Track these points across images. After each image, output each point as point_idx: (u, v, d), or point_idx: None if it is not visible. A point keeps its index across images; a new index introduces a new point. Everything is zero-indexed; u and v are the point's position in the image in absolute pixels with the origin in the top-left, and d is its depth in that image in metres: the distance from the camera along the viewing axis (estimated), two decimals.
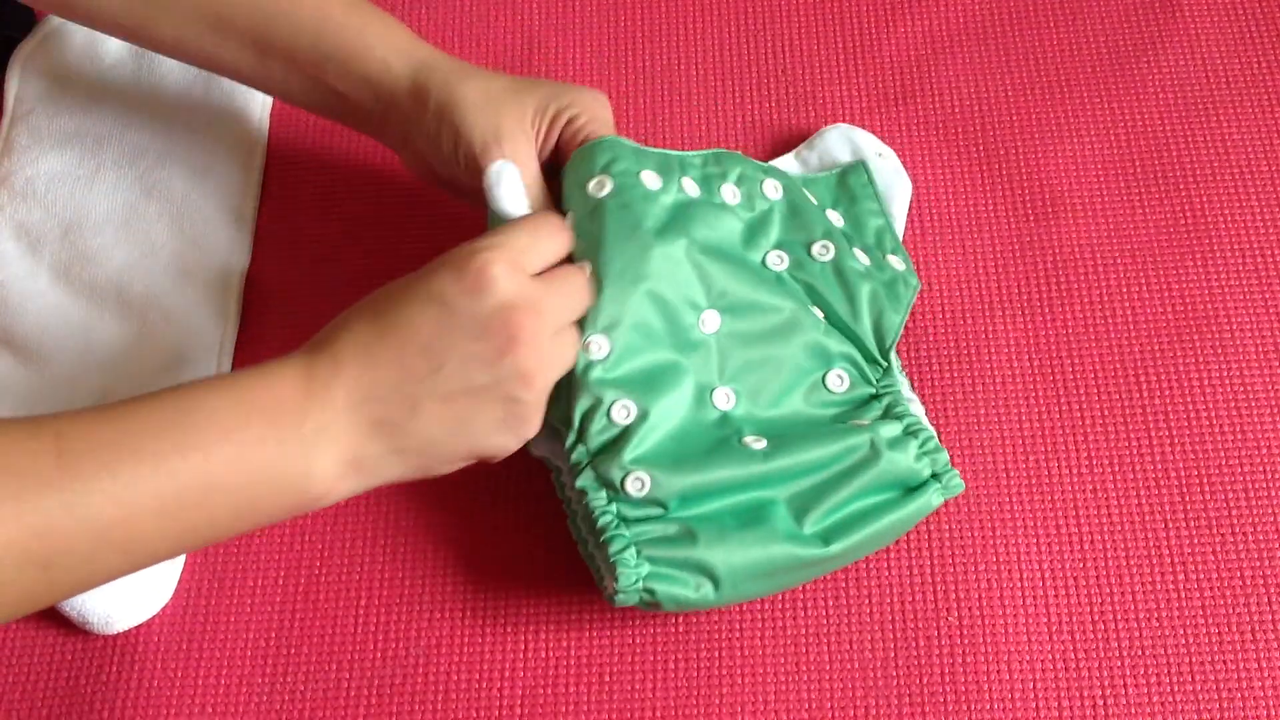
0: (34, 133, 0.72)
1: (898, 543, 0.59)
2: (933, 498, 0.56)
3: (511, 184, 0.54)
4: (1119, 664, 0.57)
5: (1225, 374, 0.63)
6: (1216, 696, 0.56)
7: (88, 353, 0.65)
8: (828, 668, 0.58)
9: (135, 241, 0.68)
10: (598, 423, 0.54)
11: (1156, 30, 0.73)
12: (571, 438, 0.54)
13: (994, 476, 0.61)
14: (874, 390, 0.58)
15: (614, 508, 0.54)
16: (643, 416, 0.54)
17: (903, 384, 0.60)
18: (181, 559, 0.61)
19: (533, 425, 0.51)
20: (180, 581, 0.61)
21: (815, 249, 0.59)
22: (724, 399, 0.56)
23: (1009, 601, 0.58)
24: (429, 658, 0.59)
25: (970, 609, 0.58)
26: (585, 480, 0.54)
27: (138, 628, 0.60)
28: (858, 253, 0.60)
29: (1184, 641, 0.57)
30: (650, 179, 0.56)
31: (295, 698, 0.58)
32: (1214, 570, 0.59)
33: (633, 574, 0.52)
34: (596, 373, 0.54)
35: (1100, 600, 0.58)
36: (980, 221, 0.68)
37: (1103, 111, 0.70)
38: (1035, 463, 0.61)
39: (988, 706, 0.56)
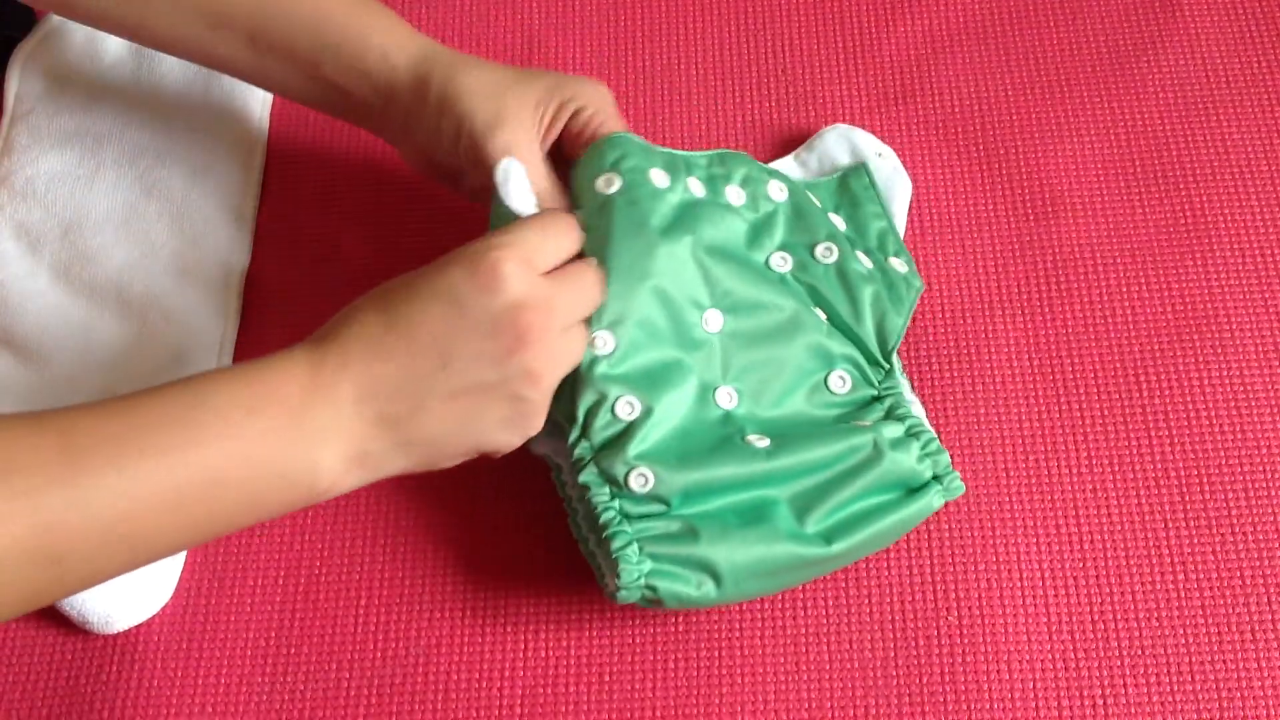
0: (34, 132, 0.72)
1: (898, 543, 0.59)
2: (934, 499, 0.56)
3: (519, 182, 0.54)
4: (1119, 664, 0.57)
5: (1225, 374, 0.63)
6: (1216, 696, 0.56)
7: (88, 352, 0.65)
8: (828, 668, 0.58)
9: (135, 241, 0.68)
10: (602, 418, 0.54)
11: (1156, 30, 0.73)
12: (575, 433, 0.54)
13: (994, 476, 0.61)
14: (876, 392, 0.59)
15: (616, 504, 0.54)
16: (647, 413, 0.54)
17: (904, 385, 0.60)
18: (181, 558, 0.61)
19: (537, 422, 0.51)
20: (180, 581, 0.61)
21: (819, 251, 0.59)
22: (727, 398, 0.56)
23: (1009, 601, 0.58)
24: (429, 657, 0.59)
25: (970, 609, 0.58)
26: (588, 476, 0.54)
27: (138, 627, 0.60)
28: (860, 256, 0.60)
29: (1184, 641, 0.57)
30: (658, 177, 0.57)
31: (295, 698, 0.58)
32: (1214, 570, 0.59)
33: (635, 571, 0.52)
34: (601, 368, 0.54)
35: (1100, 600, 0.58)
36: (980, 221, 0.68)
37: (1103, 111, 0.70)
38: (1035, 463, 0.61)
39: (988, 706, 0.56)
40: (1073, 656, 0.57)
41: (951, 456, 0.60)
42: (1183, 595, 0.58)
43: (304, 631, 0.59)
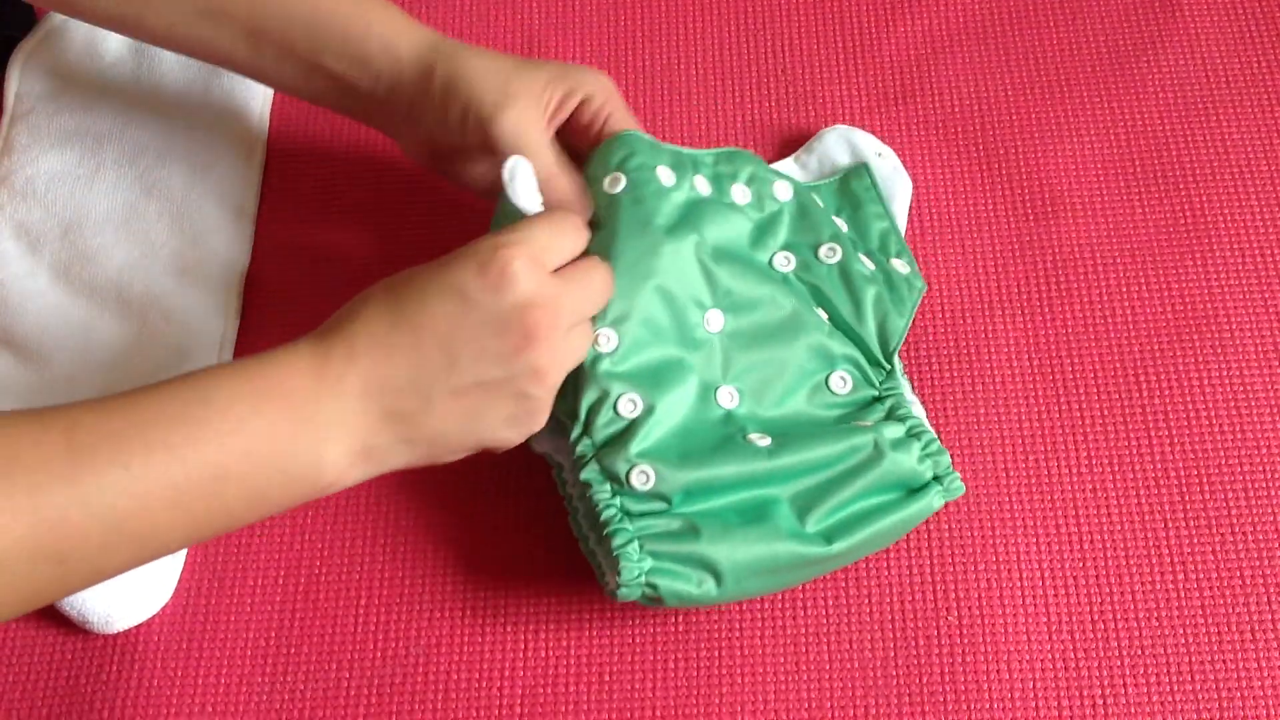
0: (34, 132, 0.72)
1: (898, 543, 0.59)
2: (934, 499, 0.56)
3: (526, 179, 0.54)
4: (1119, 664, 0.57)
5: (1225, 374, 0.63)
6: (1216, 696, 0.56)
7: (88, 352, 0.65)
8: (828, 667, 0.58)
9: (135, 240, 0.68)
10: (604, 415, 0.54)
11: (1156, 30, 0.73)
12: (577, 430, 0.55)
13: (994, 476, 0.61)
14: (877, 392, 0.59)
15: (618, 501, 0.54)
16: (649, 410, 0.54)
17: (905, 386, 0.60)
18: (181, 557, 0.61)
19: (542, 419, 0.51)
20: (180, 581, 0.61)
21: (822, 251, 0.59)
22: (728, 397, 0.56)
23: (1009, 601, 0.58)
24: (429, 657, 0.59)
25: (970, 609, 0.58)
26: (590, 473, 0.54)
27: (138, 627, 0.60)
28: (862, 258, 0.60)
29: (1184, 641, 0.57)
30: (665, 175, 0.57)
31: (295, 698, 0.58)
32: (1214, 570, 0.59)
33: (635, 568, 0.52)
34: (605, 365, 0.54)
35: (1100, 600, 0.58)
36: (980, 221, 0.68)
37: (1103, 111, 0.70)
38: (1035, 463, 0.61)
39: (988, 706, 0.56)
40: (1073, 656, 0.57)
41: (951, 456, 0.60)
42: (1183, 595, 0.58)
43: (304, 631, 0.59)
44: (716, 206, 0.58)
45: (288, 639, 0.59)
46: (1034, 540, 0.60)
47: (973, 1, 0.74)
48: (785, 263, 0.59)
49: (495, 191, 0.61)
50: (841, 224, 0.63)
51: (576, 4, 0.75)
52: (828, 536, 0.54)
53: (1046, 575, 0.59)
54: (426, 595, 0.60)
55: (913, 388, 0.62)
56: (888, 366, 0.59)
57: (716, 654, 0.58)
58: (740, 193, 0.59)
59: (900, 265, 0.62)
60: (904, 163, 0.68)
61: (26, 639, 0.60)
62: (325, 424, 0.47)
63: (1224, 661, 0.57)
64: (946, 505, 0.59)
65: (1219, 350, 0.64)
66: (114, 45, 0.74)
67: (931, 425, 0.60)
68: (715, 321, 0.57)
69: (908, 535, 0.59)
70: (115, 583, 0.58)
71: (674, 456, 0.54)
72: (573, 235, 0.53)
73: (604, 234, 0.55)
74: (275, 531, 0.62)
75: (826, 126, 0.68)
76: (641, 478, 0.53)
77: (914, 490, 0.56)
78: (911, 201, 0.67)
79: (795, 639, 0.58)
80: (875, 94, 0.71)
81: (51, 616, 0.60)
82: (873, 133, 0.68)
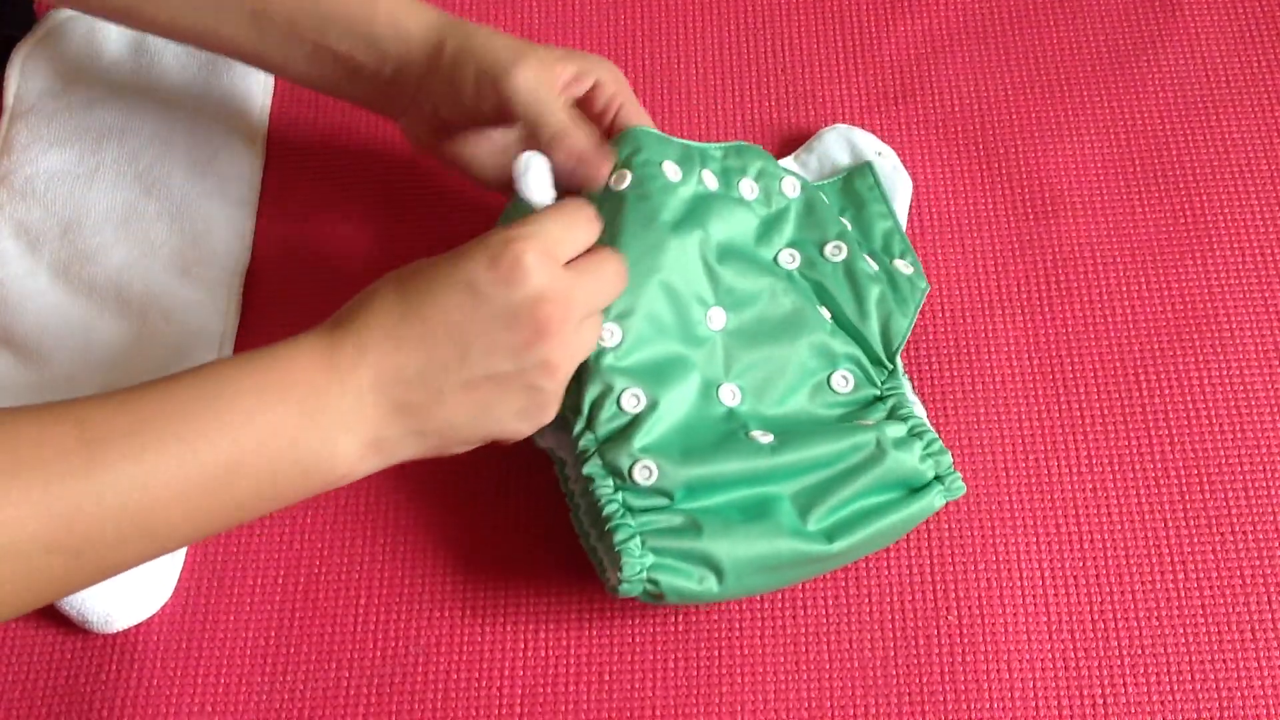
0: (33, 131, 0.72)
1: (898, 543, 0.59)
2: (935, 499, 0.56)
3: (539, 173, 0.54)
4: (1119, 663, 0.57)
5: (1225, 374, 0.63)
6: (1216, 696, 0.56)
7: (88, 352, 0.65)
8: (828, 667, 0.58)
9: (135, 240, 0.68)
10: (607, 410, 0.54)
11: (1156, 30, 0.73)
12: (580, 425, 0.55)
13: (994, 476, 0.61)
14: (879, 392, 0.59)
15: (620, 496, 0.54)
16: (652, 406, 0.54)
17: (906, 386, 0.60)
18: (181, 556, 0.61)
19: (552, 411, 0.51)
20: (180, 580, 0.61)
21: (828, 249, 0.59)
22: (730, 395, 0.56)
23: (1009, 601, 0.58)
24: (428, 656, 0.59)
25: (970, 608, 0.58)
26: (592, 468, 0.54)
27: (137, 627, 0.60)
28: (866, 258, 0.60)
29: (1184, 641, 0.57)
30: (671, 170, 0.57)
31: (295, 697, 0.58)
32: (1214, 569, 0.59)
33: (637, 564, 0.52)
34: (608, 360, 0.54)
35: (1100, 600, 0.58)
36: (980, 221, 0.68)
37: (1103, 111, 0.70)
38: (1035, 462, 0.61)
39: (987, 706, 0.56)
40: (1073, 656, 0.57)
41: (951, 456, 0.60)
42: (1183, 595, 0.58)
43: (304, 631, 0.59)
44: (723, 202, 0.58)
45: (287, 638, 0.59)
46: (1034, 540, 0.60)
47: (973, 1, 0.74)
48: (790, 260, 0.59)
49: (497, 175, 0.61)
50: (846, 223, 0.63)
51: (576, 4, 0.75)
52: (829, 534, 0.54)
53: (1046, 575, 0.59)
54: (426, 595, 0.60)
55: (913, 387, 0.62)
56: (890, 366, 0.59)
57: (716, 653, 0.58)
58: (748, 188, 0.59)
59: (903, 266, 0.62)
60: (904, 162, 0.68)
61: (26, 638, 0.60)
62: (336, 416, 0.47)
63: (1224, 661, 0.57)
64: (946, 505, 0.59)
65: (1219, 350, 0.64)
66: (114, 44, 0.74)
67: (932, 425, 0.60)
68: (718, 319, 0.57)
69: (908, 535, 0.59)
70: (115, 582, 0.58)
71: (676, 452, 0.54)
72: (585, 227, 0.52)
73: (609, 230, 0.55)
74: (275, 531, 0.62)
75: (826, 125, 0.68)
76: (644, 473, 0.53)
77: (915, 489, 0.56)
78: (911, 201, 0.67)
79: (795, 639, 0.58)
80: (875, 93, 0.71)
81: (51, 616, 0.60)
82: (873, 132, 0.68)
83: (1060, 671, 0.57)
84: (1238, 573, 0.59)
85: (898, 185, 0.66)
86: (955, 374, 0.63)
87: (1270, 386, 0.63)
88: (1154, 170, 0.68)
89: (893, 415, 0.57)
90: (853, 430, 0.56)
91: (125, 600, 0.58)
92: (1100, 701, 0.56)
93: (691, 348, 0.56)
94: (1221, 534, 0.60)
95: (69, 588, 0.45)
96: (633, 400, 0.54)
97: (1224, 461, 0.61)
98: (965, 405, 0.63)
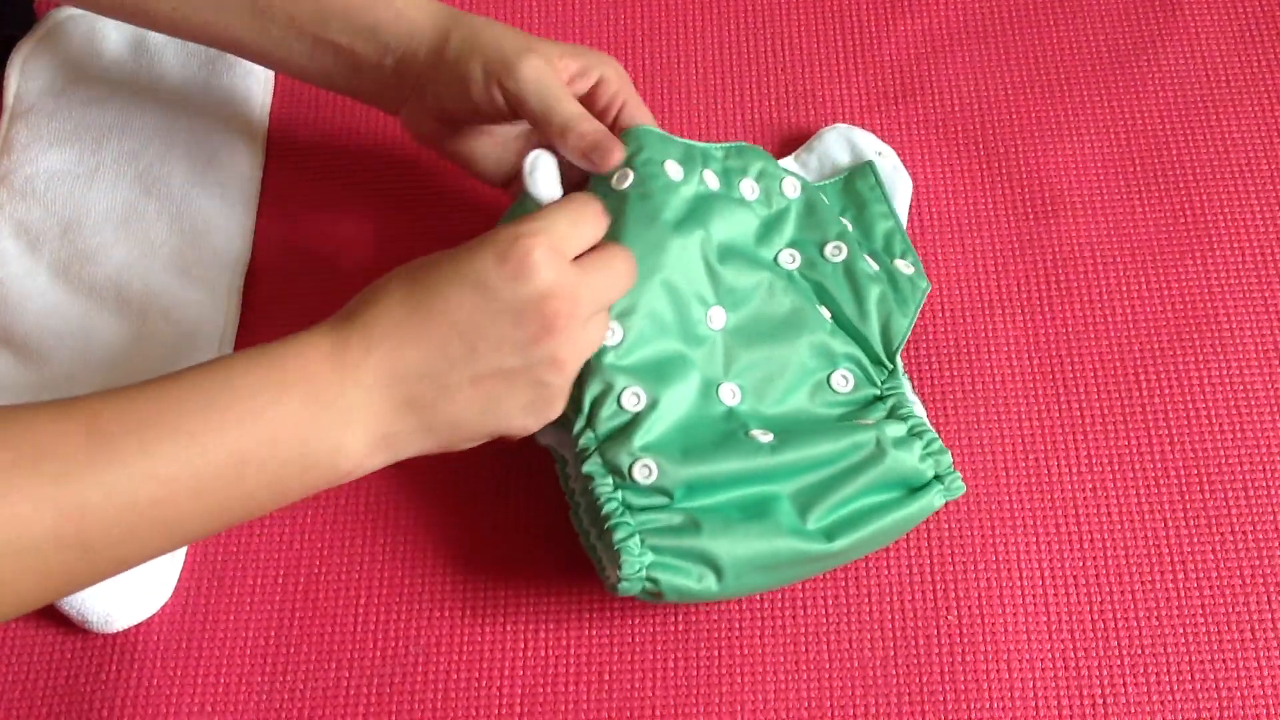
0: (33, 130, 0.72)
1: (898, 542, 0.59)
2: (935, 499, 0.56)
3: (547, 171, 0.54)
4: (1119, 663, 0.57)
5: (1225, 373, 0.63)
6: (1216, 696, 0.56)
7: (88, 351, 0.65)
8: (827, 667, 0.58)
9: (135, 239, 0.68)
10: (608, 408, 0.54)
11: (1156, 30, 0.73)
12: (580, 423, 0.55)
13: (994, 476, 0.61)
14: (878, 391, 0.59)
15: (620, 495, 0.54)
16: (652, 405, 0.54)
17: (906, 386, 0.60)
18: (181, 556, 0.61)
19: (559, 407, 0.52)
20: (180, 580, 0.61)
21: (828, 249, 0.59)
22: (730, 394, 0.56)
23: (1009, 601, 0.58)
24: (428, 656, 0.59)
25: (970, 608, 0.58)
26: (592, 466, 0.54)
27: (137, 626, 0.60)
28: (866, 258, 0.61)
29: (1184, 641, 0.57)
30: (673, 169, 0.57)
31: (295, 697, 0.58)
32: (1213, 569, 0.59)
33: (636, 563, 0.52)
34: (609, 358, 0.54)
35: (1100, 600, 0.58)
36: (980, 221, 0.68)
37: (1103, 111, 0.70)
38: (1035, 462, 0.61)
39: (987, 706, 0.56)
40: (1073, 656, 0.57)
41: (951, 456, 0.60)
42: (1183, 595, 0.58)
43: (304, 631, 0.59)
44: (724, 202, 0.58)
45: (287, 638, 0.59)
46: (1034, 540, 0.60)
47: (973, 1, 0.74)
48: (790, 260, 0.59)
49: (498, 170, 0.61)
50: (846, 224, 0.63)
51: (576, 3, 0.75)
52: (829, 534, 0.54)
53: (1046, 575, 0.59)
54: (426, 595, 0.60)
55: (913, 387, 0.62)
56: (890, 366, 0.59)
57: (716, 653, 0.58)
58: (749, 188, 0.59)
59: (904, 266, 0.62)
60: (904, 162, 0.68)
61: (26, 638, 0.60)
62: (345, 411, 0.47)
63: (1224, 661, 0.57)
64: (946, 505, 0.59)
65: (1219, 350, 0.64)
66: (113, 44, 0.74)
67: (932, 425, 0.60)
68: (718, 319, 0.57)
69: (908, 535, 0.59)
70: (115, 582, 0.58)
71: (676, 451, 0.54)
72: (592, 223, 0.52)
73: (611, 228, 0.55)
74: (275, 531, 0.62)
75: (826, 125, 0.68)
76: (644, 471, 0.53)
77: (915, 489, 0.56)
78: (911, 201, 0.67)
79: (795, 638, 0.58)
80: (875, 93, 0.71)
81: (51, 616, 0.60)
82: (872, 132, 0.68)
83: (1060, 671, 0.57)
84: (1238, 573, 0.59)
85: (898, 185, 0.66)
86: (955, 374, 0.63)
87: (1270, 386, 0.63)
88: (1154, 170, 0.68)
89: (892, 415, 0.57)
90: (852, 429, 0.56)
91: (125, 600, 0.58)
92: (1100, 701, 0.56)
93: (692, 347, 0.56)
94: (1221, 534, 0.60)
95: (79, 583, 0.45)
96: (633, 399, 0.54)
97: (1224, 461, 0.61)
98: (965, 405, 0.63)
